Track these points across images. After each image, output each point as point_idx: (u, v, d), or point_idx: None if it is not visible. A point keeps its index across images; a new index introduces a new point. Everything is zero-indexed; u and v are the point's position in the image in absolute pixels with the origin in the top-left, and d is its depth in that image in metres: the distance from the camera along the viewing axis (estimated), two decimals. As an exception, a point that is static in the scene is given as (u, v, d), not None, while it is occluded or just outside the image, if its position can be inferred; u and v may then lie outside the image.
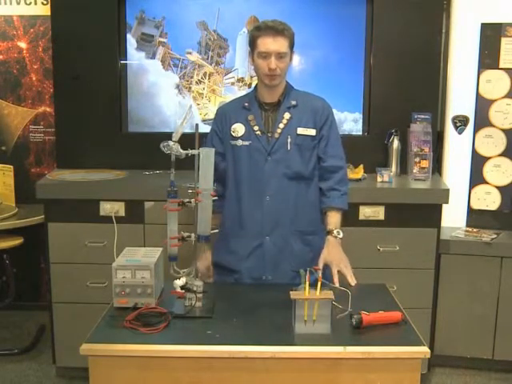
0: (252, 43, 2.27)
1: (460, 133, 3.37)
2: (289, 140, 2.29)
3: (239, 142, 2.33)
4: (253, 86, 2.39)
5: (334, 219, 2.32)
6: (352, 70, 3.38)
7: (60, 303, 3.06)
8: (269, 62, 2.22)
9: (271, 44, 2.21)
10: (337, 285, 2.12)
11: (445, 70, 3.37)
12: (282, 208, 2.32)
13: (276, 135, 2.30)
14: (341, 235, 2.29)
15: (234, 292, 2.15)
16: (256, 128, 2.31)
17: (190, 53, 3.42)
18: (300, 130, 2.31)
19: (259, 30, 2.24)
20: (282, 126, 2.30)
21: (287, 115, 2.31)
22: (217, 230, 2.23)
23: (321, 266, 2.18)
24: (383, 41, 3.29)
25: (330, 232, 2.29)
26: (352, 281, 2.18)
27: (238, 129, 2.34)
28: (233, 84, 3.46)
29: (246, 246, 2.34)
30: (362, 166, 3.23)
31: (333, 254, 2.25)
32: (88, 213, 2.98)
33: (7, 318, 3.75)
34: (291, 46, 2.27)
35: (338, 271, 2.21)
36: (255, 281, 2.32)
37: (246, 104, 2.36)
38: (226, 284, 2.34)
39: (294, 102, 2.32)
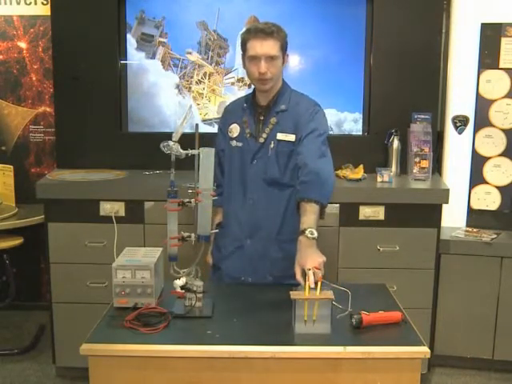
0: (242, 47, 2.23)
1: (460, 133, 3.37)
2: (271, 146, 2.26)
3: (233, 143, 2.34)
4: (253, 86, 2.37)
5: (306, 217, 2.04)
6: (352, 70, 3.38)
7: (60, 303, 3.06)
8: (258, 65, 2.17)
9: (260, 47, 2.16)
10: (312, 285, 1.80)
11: (445, 70, 3.36)
12: (266, 214, 2.29)
13: (261, 140, 2.28)
14: (315, 235, 1.98)
15: (234, 292, 2.15)
16: (247, 131, 2.31)
17: (190, 53, 3.42)
18: (280, 136, 2.25)
19: (249, 32, 2.20)
20: (267, 130, 2.27)
21: (273, 120, 2.27)
22: (217, 230, 2.23)
23: (298, 272, 1.91)
24: (383, 41, 3.29)
25: (302, 232, 1.99)
26: (308, 283, 1.81)
27: (234, 130, 2.34)
28: (233, 84, 3.46)
29: (228, 245, 2.37)
30: (361, 165, 3.23)
31: (306, 256, 1.94)
32: (88, 213, 2.99)
33: (7, 318, 3.75)
34: (283, 48, 2.21)
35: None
36: (234, 280, 2.32)
37: (245, 105, 2.35)
38: (226, 284, 2.34)
39: (283, 107, 2.27)
